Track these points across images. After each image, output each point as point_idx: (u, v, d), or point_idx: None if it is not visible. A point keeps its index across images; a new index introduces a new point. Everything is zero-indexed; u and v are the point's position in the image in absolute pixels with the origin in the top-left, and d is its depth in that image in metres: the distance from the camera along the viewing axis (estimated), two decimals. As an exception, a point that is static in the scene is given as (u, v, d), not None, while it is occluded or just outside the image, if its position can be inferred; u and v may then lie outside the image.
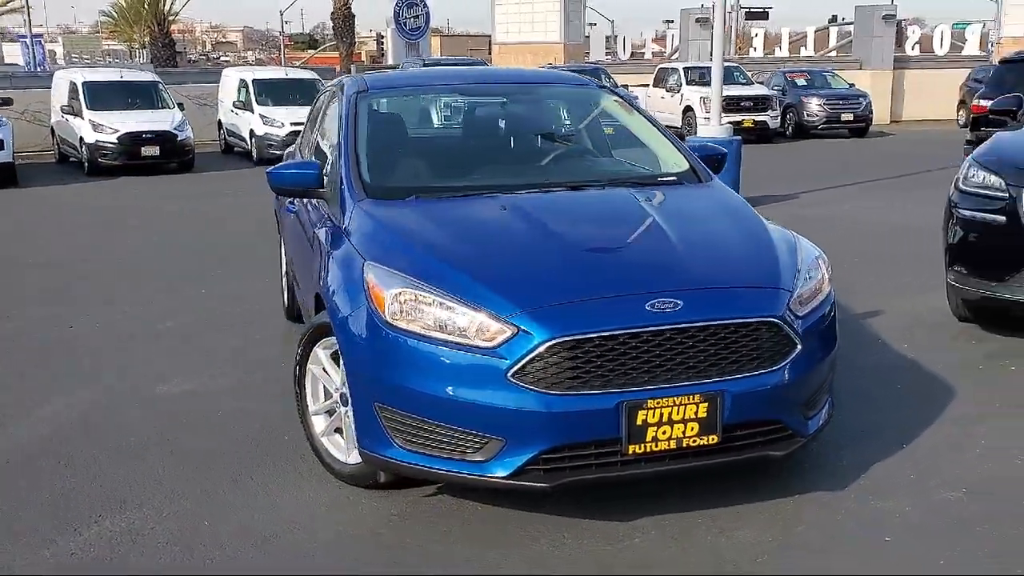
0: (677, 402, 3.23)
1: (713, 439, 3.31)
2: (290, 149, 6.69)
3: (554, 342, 3.16)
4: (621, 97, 5.09)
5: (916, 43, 31.05)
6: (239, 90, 19.04)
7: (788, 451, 3.50)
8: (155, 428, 4.58)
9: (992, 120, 11.93)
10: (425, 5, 37.85)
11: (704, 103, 19.75)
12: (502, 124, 4.95)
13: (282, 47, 51.89)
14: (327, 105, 5.37)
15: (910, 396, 4.80)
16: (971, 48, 31.32)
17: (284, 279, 6.54)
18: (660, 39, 39.44)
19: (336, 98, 5.20)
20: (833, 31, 34.96)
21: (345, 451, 3.87)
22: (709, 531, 3.44)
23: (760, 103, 21.43)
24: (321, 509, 3.71)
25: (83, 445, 4.38)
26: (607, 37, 30.64)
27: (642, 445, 3.25)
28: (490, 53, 55.50)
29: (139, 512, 3.71)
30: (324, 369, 3.94)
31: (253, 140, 18.32)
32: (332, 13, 29.46)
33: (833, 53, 32.89)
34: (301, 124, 17.31)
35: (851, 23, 31.13)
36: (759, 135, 20.91)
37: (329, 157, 4.72)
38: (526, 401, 3.18)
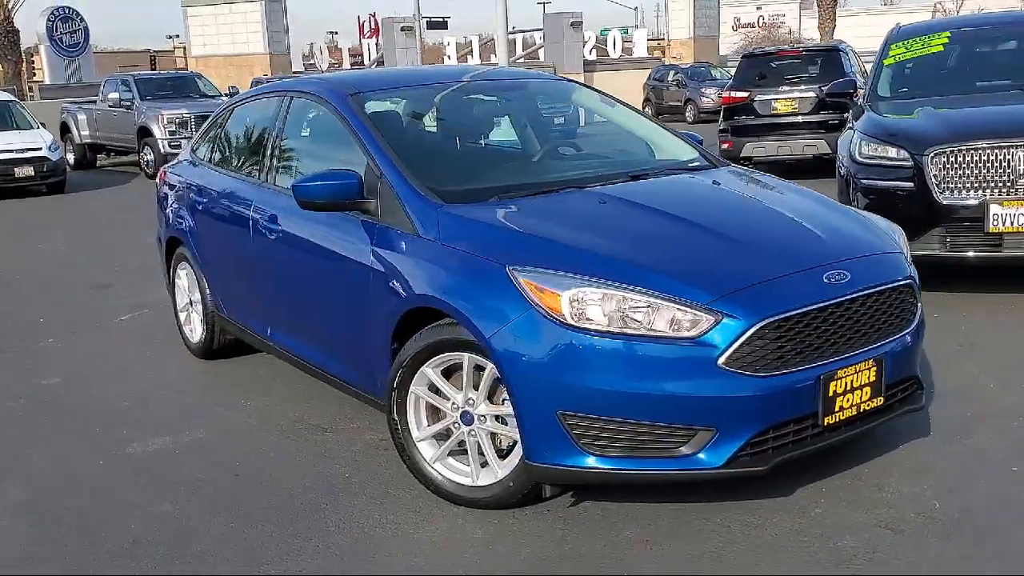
0: (857, 369, 3.35)
1: (880, 401, 3.47)
2: (178, 161, 5.99)
3: (762, 324, 3.15)
4: (596, 90, 5.11)
5: (593, 48, 33.48)
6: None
7: (923, 403, 3.74)
8: (180, 490, 3.95)
9: (739, 108, 13.24)
10: (82, 19, 34.88)
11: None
12: (516, 120, 4.79)
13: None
14: (279, 113, 4.86)
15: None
16: (640, 51, 34.33)
17: (191, 312, 5.84)
18: (354, 49, 39.20)
19: (295, 104, 4.78)
20: (518, 38, 36.79)
21: (471, 474, 3.59)
22: (868, 489, 3.59)
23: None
24: (478, 538, 3.40)
25: (114, 519, 3.68)
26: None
27: (832, 415, 3.33)
28: (153, 66, 52.30)
29: (275, 580, 3.20)
30: (434, 389, 3.63)
31: (-52, 173, 15.97)
32: (-8, 28, 26.33)
33: (523, 59, 34.60)
34: (9, 152, 15.92)
35: (529, 31, 33.03)
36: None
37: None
38: (737, 387, 3.14)
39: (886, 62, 7.36)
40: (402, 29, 27.36)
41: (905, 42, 7.42)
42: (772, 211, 3.85)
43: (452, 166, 4.30)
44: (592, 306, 3.20)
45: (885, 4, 75.57)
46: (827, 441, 3.39)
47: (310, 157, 4.63)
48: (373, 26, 45.66)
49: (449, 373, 3.63)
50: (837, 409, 3.33)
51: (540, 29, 31.67)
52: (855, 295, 3.38)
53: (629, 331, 3.16)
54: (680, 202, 3.91)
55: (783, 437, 3.28)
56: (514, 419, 3.44)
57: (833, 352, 3.31)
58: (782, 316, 3.19)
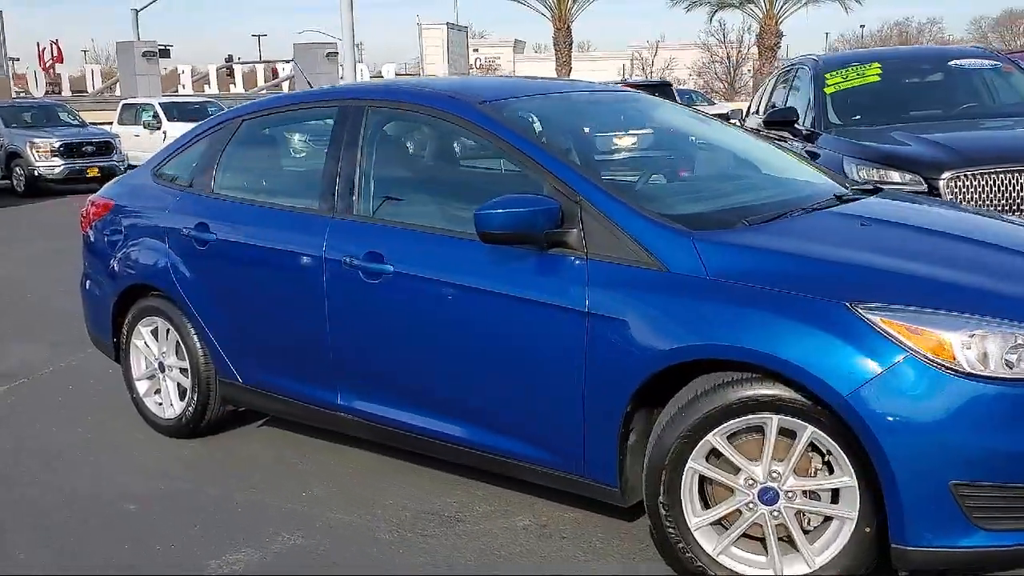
0: None
1: None
2: (140, 186, 4.70)
3: None
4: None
5: (341, 80, 32.55)
6: None
7: None
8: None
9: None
10: None
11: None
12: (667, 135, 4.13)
13: None
14: (348, 130, 3.84)
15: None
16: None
17: (164, 379, 4.56)
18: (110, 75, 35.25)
19: (374, 118, 3.84)
20: (259, 68, 34.98)
21: (772, 565, 2.89)
22: None
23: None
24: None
25: None
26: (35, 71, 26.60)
27: None
28: None
29: None
30: (719, 461, 2.91)
31: None
32: None
33: (266, 90, 32.92)
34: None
35: (277, 61, 31.69)
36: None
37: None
38: None
39: (827, 91, 7.38)
40: (143, 55, 24.93)
41: (840, 71, 7.49)
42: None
43: (651, 187, 3.58)
44: (983, 349, 2.64)
45: (581, 50, 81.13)
46: None
47: (427, 181, 3.70)
48: (56, 54, 41.74)
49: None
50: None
51: (291, 60, 30.30)
52: None
53: (1027, 376, 2.63)
54: (946, 226, 3.46)
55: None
56: (827, 493, 2.82)
57: None
58: None
